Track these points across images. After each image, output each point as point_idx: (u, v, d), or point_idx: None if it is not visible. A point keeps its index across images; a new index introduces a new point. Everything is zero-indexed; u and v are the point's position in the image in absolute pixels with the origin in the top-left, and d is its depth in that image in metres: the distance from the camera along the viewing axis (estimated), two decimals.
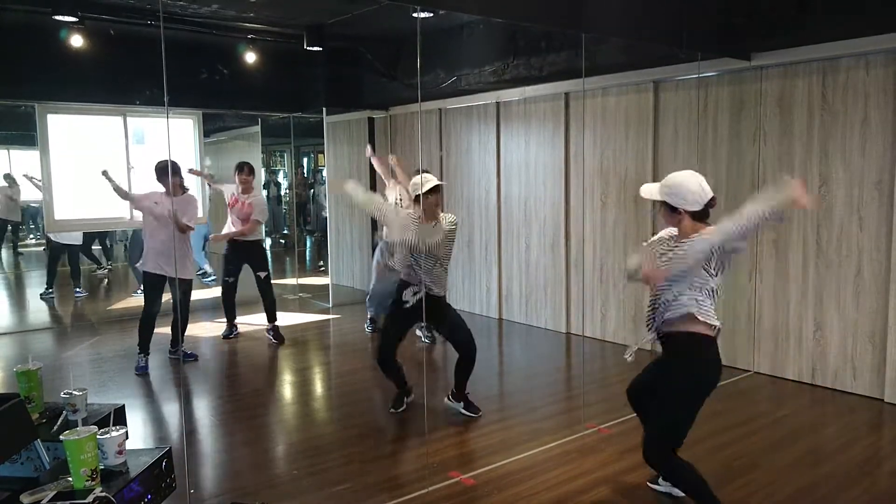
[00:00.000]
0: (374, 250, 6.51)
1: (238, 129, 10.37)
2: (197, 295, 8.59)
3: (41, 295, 8.59)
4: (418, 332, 6.39)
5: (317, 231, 11.95)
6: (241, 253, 6.34)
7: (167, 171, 5.37)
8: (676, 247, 2.92)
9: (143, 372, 5.50)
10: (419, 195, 4.24)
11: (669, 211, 2.94)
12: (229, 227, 6.31)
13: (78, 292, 8.56)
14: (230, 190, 6.41)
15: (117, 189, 5.64)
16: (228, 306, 6.50)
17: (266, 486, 3.57)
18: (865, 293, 4.71)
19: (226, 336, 6.56)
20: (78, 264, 8.57)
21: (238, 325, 6.67)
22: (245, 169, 6.27)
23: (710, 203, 2.91)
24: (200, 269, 9.78)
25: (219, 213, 8.26)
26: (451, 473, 3.64)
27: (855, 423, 4.38)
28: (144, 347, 5.56)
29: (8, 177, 9.46)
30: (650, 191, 3.02)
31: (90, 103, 7.17)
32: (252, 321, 7.05)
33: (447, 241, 4.32)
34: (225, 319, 6.60)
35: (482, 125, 7.29)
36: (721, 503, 2.86)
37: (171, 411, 4.75)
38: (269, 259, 8.04)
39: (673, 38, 4.60)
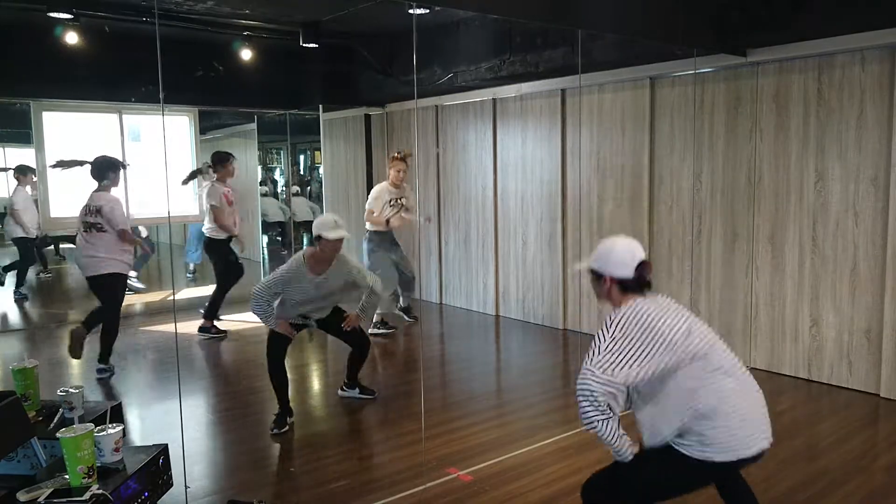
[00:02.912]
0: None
1: (234, 127, 10.34)
2: (193, 293, 8.60)
3: (14, 297, 8.45)
4: (400, 313, 6.81)
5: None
6: (229, 247, 6.47)
7: (113, 167, 5.26)
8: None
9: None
10: (321, 237, 4.08)
11: (595, 279, 2.52)
12: (219, 228, 6.38)
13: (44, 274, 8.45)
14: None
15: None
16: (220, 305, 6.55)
17: (263, 484, 3.57)
18: (861, 288, 4.73)
19: (215, 335, 6.57)
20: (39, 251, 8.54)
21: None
22: (231, 157, 6.41)
23: (641, 269, 2.44)
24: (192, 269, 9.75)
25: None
26: (448, 470, 3.65)
27: (851, 418, 4.40)
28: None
29: None
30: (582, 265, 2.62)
31: (86, 101, 7.15)
32: (243, 318, 7.05)
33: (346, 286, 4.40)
34: (205, 318, 6.60)
35: (479, 122, 7.29)
36: None
37: (169, 409, 4.74)
38: (266, 257, 8.08)
39: (669, 35, 4.60)
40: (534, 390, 5.06)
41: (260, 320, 4.29)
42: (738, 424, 2.31)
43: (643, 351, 2.29)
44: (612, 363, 2.28)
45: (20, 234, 8.15)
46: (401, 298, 6.92)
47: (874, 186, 4.60)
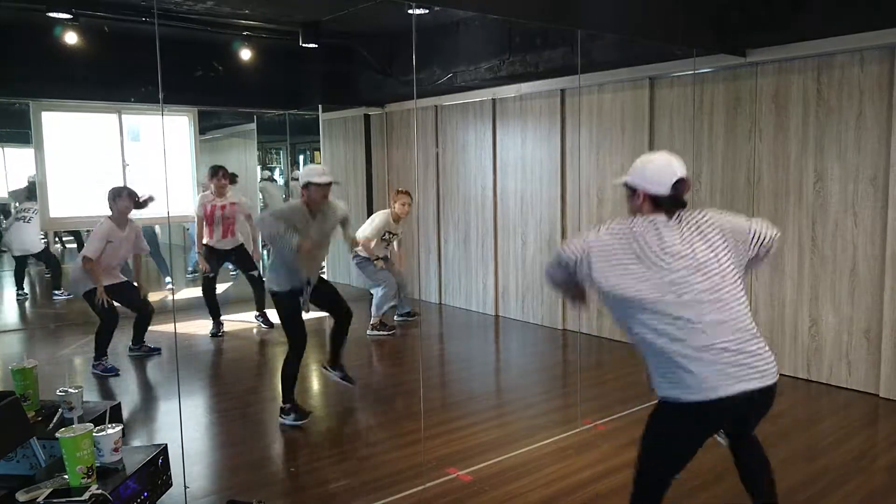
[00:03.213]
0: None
1: (234, 127, 10.35)
2: (190, 293, 8.59)
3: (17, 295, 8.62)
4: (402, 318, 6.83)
5: None
6: (222, 255, 6.59)
7: (126, 196, 5.44)
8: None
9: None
10: (313, 183, 4.21)
11: (629, 194, 2.41)
12: (208, 235, 6.48)
13: (66, 293, 8.54)
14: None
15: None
16: (212, 304, 6.59)
17: (263, 484, 3.57)
18: (860, 289, 4.73)
19: (213, 335, 6.58)
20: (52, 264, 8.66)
21: (224, 323, 6.72)
22: (220, 172, 6.48)
23: (678, 187, 2.32)
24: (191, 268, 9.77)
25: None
26: (448, 470, 3.65)
27: (850, 418, 4.40)
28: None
29: None
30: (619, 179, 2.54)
31: (85, 101, 7.15)
32: (243, 318, 7.06)
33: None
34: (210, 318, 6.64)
35: (478, 122, 7.29)
36: None
37: (168, 409, 4.74)
38: (265, 255, 8.10)
39: (668, 35, 4.60)
40: (533, 390, 5.06)
41: (273, 244, 4.27)
42: (710, 363, 2.17)
43: (619, 265, 2.25)
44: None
45: (40, 246, 8.24)
46: (396, 307, 6.94)
47: (873, 186, 4.60)
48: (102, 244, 5.32)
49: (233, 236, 6.56)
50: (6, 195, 9.49)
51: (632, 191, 2.38)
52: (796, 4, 4.53)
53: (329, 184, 4.30)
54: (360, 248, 6.22)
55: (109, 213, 5.45)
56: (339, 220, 4.55)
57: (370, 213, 8.36)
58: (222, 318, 6.70)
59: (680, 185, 2.31)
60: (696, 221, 2.35)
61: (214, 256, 6.54)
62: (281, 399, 4.42)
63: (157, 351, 5.98)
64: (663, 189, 2.30)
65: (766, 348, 2.32)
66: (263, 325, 6.82)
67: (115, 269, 5.53)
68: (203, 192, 6.73)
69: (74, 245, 10.41)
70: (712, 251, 2.30)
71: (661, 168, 2.33)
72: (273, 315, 6.51)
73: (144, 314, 5.80)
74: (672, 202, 2.31)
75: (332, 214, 4.47)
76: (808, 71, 4.84)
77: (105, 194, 5.51)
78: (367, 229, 6.40)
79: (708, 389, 2.18)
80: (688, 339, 2.19)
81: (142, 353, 5.92)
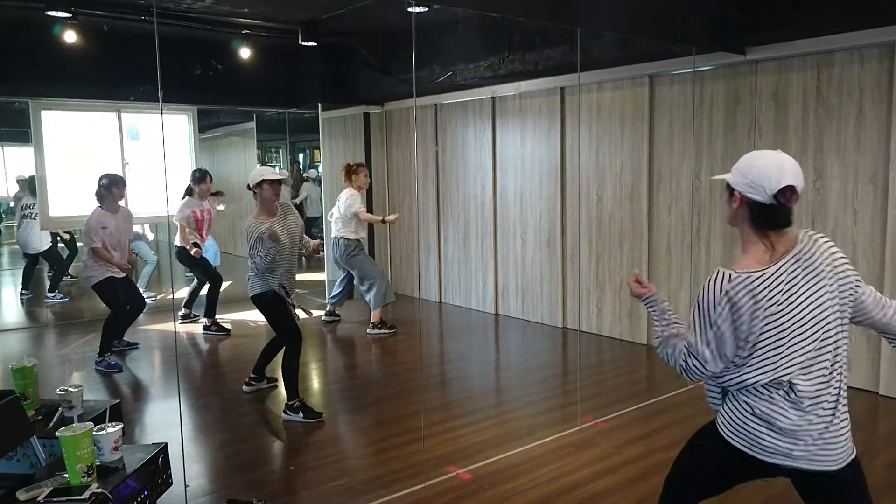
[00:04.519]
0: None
1: (233, 125, 10.35)
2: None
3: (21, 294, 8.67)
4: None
5: (314, 227, 11.98)
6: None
7: (118, 183, 5.55)
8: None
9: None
10: (270, 180, 4.30)
11: (728, 196, 2.06)
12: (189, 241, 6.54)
13: (60, 297, 8.57)
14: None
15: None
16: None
17: (262, 483, 3.57)
18: None
19: (216, 332, 6.64)
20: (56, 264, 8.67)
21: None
22: (208, 177, 6.66)
23: (784, 196, 1.90)
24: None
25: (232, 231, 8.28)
26: (448, 468, 3.65)
27: (850, 416, 4.39)
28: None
29: None
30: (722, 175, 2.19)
31: (85, 99, 7.15)
32: (243, 317, 7.07)
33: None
34: (206, 316, 6.74)
35: (478, 120, 7.28)
36: None
37: (168, 408, 4.74)
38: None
39: (668, 33, 4.60)
40: (533, 389, 5.06)
41: (265, 257, 4.23)
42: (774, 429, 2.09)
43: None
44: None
45: (47, 244, 8.27)
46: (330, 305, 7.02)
47: (872, 185, 4.60)
48: (98, 231, 5.43)
49: (205, 239, 6.74)
50: (6, 195, 9.50)
51: (729, 192, 2.05)
52: (796, 2, 4.52)
53: (280, 182, 4.39)
54: (344, 231, 6.40)
55: (100, 201, 5.51)
56: (301, 224, 4.56)
57: (370, 210, 8.35)
58: (218, 317, 6.72)
59: (786, 194, 1.90)
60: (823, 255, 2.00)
61: (202, 258, 6.62)
62: (286, 396, 4.43)
63: (135, 346, 6.10)
64: (763, 195, 1.94)
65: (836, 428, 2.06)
66: (219, 333, 6.66)
67: (124, 258, 5.62)
68: (187, 197, 6.66)
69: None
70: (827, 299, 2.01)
71: (765, 168, 1.96)
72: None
73: (140, 308, 5.93)
74: (770, 215, 1.96)
75: (292, 216, 4.49)
76: (808, 69, 4.84)
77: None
78: (354, 206, 6.39)
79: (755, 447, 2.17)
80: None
81: (121, 347, 6.01)
